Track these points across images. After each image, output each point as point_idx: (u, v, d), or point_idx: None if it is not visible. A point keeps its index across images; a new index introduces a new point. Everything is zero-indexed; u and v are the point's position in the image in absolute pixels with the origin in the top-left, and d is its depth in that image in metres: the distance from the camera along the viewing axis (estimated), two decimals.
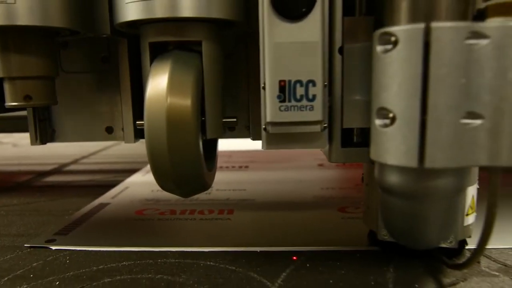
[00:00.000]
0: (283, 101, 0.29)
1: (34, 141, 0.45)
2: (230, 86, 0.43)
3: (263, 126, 0.31)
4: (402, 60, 0.23)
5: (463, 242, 0.36)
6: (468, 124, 0.22)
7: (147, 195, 0.57)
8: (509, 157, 0.22)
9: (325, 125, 0.31)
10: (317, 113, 0.30)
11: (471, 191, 0.34)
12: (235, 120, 0.37)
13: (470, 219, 0.34)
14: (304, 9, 0.28)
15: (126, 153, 0.95)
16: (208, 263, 0.36)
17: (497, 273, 0.33)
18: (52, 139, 0.47)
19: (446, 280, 0.32)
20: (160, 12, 0.31)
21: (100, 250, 0.39)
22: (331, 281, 0.32)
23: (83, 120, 0.46)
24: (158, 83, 0.32)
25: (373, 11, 0.30)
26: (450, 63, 0.22)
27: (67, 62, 0.44)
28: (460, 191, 0.26)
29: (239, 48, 0.43)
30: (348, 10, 0.31)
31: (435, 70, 0.22)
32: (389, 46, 0.23)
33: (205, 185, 0.36)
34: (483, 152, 0.22)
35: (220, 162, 0.68)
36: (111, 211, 0.51)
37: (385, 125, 0.24)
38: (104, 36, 0.38)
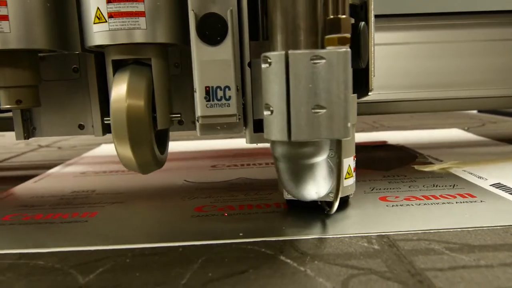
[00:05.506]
0: (208, 100, 0.42)
1: (20, 137, 0.56)
2: (179, 90, 0.55)
3: (196, 118, 0.44)
4: (274, 74, 0.36)
5: (345, 198, 0.50)
6: (316, 112, 0.36)
7: (25, 201, 0.59)
8: (341, 132, 0.36)
9: (240, 117, 0.44)
10: (232, 108, 0.43)
11: (348, 162, 0.48)
12: (179, 115, 0.50)
13: (348, 182, 0.49)
14: (219, 38, 0.41)
15: (39, 159, 0.98)
16: (39, 262, 0.39)
17: (289, 260, 0.38)
18: (33, 135, 0.58)
19: (241, 267, 0.36)
20: (120, 39, 0.43)
21: None
22: (137, 274, 0.36)
23: (58, 119, 0.57)
24: (119, 89, 0.44)
25: None
26: (301, 75, 0.35)
27: (44, 72, 0.55)
28: (318, 156, 0.39)
29: (185, 60, 0.55)
30: (254, 37, 0.44)
31: (293, 80, 0.35)
32: (268, 65, 0.36)
33: (158, 163, 0.48)
34: (326, 130, 0.36)
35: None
36: None
37: (269, 115, 0.37)
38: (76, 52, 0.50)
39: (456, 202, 0.51)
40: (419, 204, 0.51)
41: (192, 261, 0.38)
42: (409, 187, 0.59)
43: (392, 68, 0.75)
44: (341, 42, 0.35)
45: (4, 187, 0.70)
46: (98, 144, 1.16)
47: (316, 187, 0.42)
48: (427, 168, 0.69)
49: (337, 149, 0.39)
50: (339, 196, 0.43)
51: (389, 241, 0.41)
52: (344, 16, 0.35)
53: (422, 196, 0.54)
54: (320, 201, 0.48)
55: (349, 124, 0.36)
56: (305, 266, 0.37)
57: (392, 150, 0.89)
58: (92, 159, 0.94)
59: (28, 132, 0.57)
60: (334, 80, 0.35)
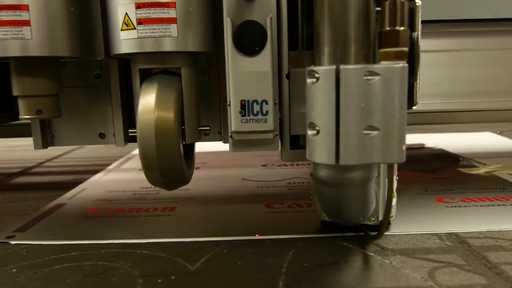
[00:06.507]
0: (244, 115, 0.39)
1: (39, 146, 0.53)
2: (205, 98, 0.52)
3: (230, 134, 0.40)
4: (322, 90, 0.32)
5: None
6: (368, 134, 0.32)
7: (101, 196, 0.62)
8: (395, 156, 0.32)
9: (277, 133, 0.41)
10: (269, 124, 0.39)
11: None
12: (208, 128, 0.46)
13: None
14: (257, 48, 0.38)
15: (90, 156, 1.00)
16: (144, 251, 0.42)
17: (372, 254, 0.40)
18: (52, 144, 0.55)
19: (331, 259, 0.38)
20: (149, 47, 0.40)
21: (53, 244, 0.44)
22: (239, 263, 0.39)
23: (78, 128, 0.54)
24: (147, 100, 0.41)
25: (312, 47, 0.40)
26: (353, 92, 0.32)
27: (64, 78, 0.52)
28: (367, 181, 0.36)
29: (213, 66, 0.51)
30: (293, 46, 0.41)
31: (343, 97, 0.32)
32: (314, 80, 0.33)
33: (185, 180, 0.45)
34: (379, 153, 0.32)
35: None
36: (66, 210, 0.56)
37: (314, 135, 0.34)
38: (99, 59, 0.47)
39: (510, 205, 0.53)
40: (476, 206, 0.53)
41: (283, 253, 0.40)
42: (461, 189, 0.60)
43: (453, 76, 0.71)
44: (399, 56, 0.32)
45: (72, 182, 0.73)
46: None
47: (360, 212, 0.38)
48: (473, 171, 0.70)
49: (388, 173, 0.36)
50: (387, 221, 0.39)
51: (459, 239, 0.43)
52: (402, 28, 0.32)
53: (477, 198, 0.56)
54: (360, 224, 0.45)
55: (403, 147, 0.33)
56: (389, 258, 0.38)
57: (432, 153, 0.90)
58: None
59: (47, 141, 0.54)
60: (389, 99, 0.32)
